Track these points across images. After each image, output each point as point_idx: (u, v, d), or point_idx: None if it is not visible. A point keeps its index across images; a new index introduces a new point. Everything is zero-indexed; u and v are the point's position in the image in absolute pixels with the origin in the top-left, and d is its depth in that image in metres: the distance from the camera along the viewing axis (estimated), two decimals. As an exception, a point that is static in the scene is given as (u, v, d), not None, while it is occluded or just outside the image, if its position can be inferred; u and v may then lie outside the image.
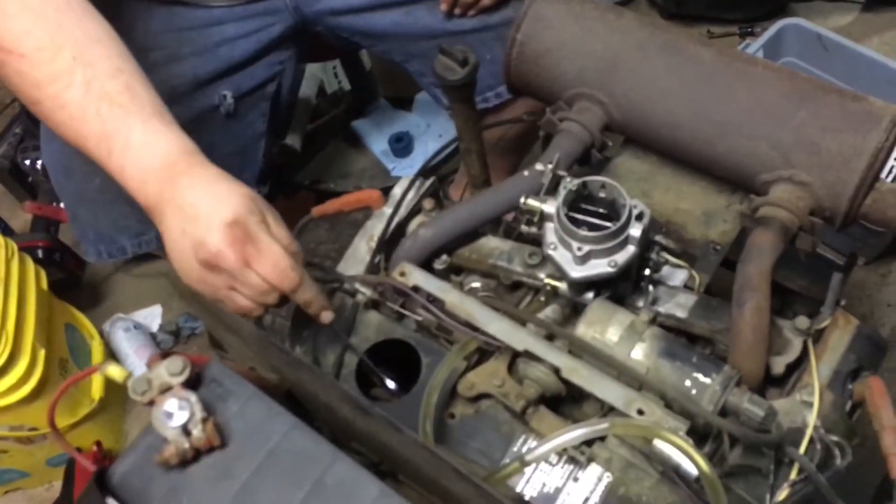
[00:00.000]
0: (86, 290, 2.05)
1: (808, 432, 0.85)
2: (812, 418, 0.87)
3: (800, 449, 0.84)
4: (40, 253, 1.82)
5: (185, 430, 0.65)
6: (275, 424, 0.68)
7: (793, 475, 0.84)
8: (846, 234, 1.59)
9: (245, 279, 0.78)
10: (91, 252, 1.40)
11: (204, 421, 0.66)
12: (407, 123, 2.13)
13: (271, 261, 0.80)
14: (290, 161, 2.09)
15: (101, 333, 1.89)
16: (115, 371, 0.69)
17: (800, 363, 0.93)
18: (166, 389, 0.67)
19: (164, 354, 0.68)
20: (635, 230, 0.90)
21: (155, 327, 1.96)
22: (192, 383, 0.69)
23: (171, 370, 0.67)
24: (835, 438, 0.85)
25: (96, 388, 1.72)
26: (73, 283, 1.97)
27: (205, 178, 0.84)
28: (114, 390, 1.74)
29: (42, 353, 1.53)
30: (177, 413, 0.65)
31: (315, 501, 0.65)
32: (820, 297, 1.07)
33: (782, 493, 0.84)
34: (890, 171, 1.68)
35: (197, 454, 0.66)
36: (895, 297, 1.73)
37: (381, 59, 1.88)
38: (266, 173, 1.51)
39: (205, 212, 0.80)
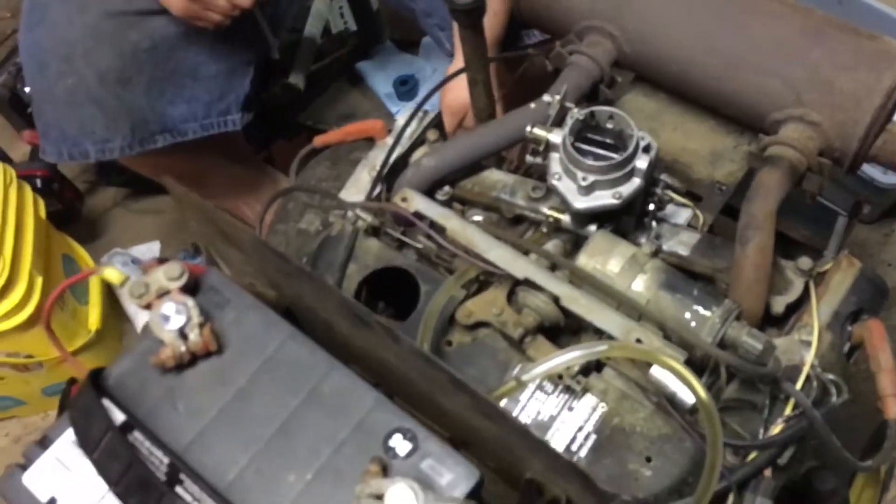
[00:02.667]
0: (84, 223, 2.03)
1: (806, 369, 0.85)
2: (810, 356, 0.87)
3: (796, 385, 0.84)
4: (39, 183, 1.80)
5: (182, 333, 0.65)
6: (272, 333, 0.68)
7: (787, 411, 0.84)
8: (851, 192, 1.59)
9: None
10: (52, 151, 1.37)
11: (201, 325, 0.65)
12: (412, 67, 2.10)
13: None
14: (293, 101, 2.06)
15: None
16: (112, 274, 0.68)
17: (800, 304, 0.93)
18: (164, 294, 0.66)
19: (162, 261, 0.68)
20: (641, 162, 0.89)
21: (152, 263, 1.95)
22: (190, 290, 0.68)
23: (169, 275, 0.66)
24: (831, 377, 0.85)
25: (93, 319, 1.72)
26: (71, 215, 1.96)
27: None
28: (111, 322, 1.74)
29: (39, 281, 1.53)
30: (173, 316, 0.65)
31: (310, 409, 0.64)
32: (822, 247, 1.06)
33: (776, 428, 0.84)
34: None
35: (193, 359, 0.66)
36: (896, 257, 1.73)
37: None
38: (252, 101, 1.49)
39: None
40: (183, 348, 0.65)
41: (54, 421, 0.66)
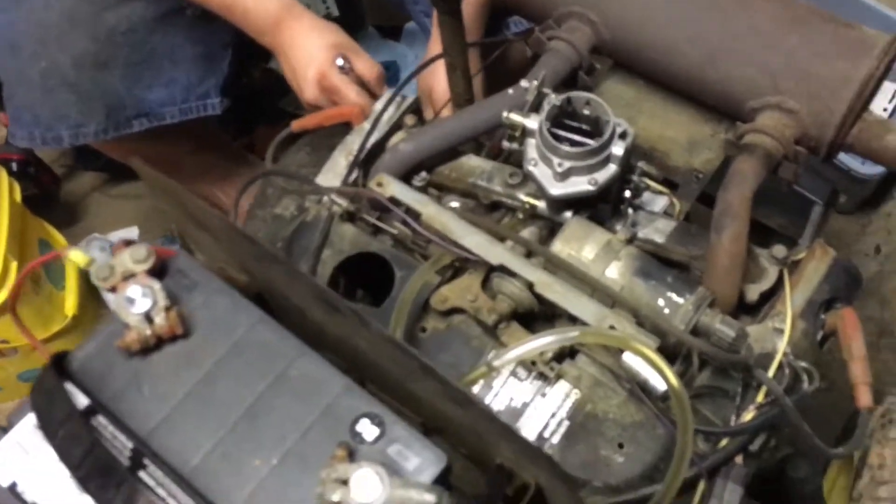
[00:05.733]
0: (61, 208, 2.01)
1: (778, 357, 0.85)
2: (782, 344, 0.87)
3: (768, 373, 0.84)
4: (14, 166, 1.78)
5: (148, 317, 0.64)
6: (240, 317, 0.67)
7: (759, 398, 0.85)
8: (828, 182, 1.59)
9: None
10: (23, 136, 1.34)
11: (167, 309, 0.64)
12: (394, 53, 2.09)
13: (350, 101, 1.14)
14: (274, 86, 2.04)
15: (77, 253, 1.86)
16: (77, 256, 0.67)
17: (774, 292, 0.93)
18: (129, 276, 0.65)
19: (129, 243, 0.67)
20: (618, 148, 0.88)
21: (131, 249, 1.93)
22: (157, 273, 0.67)
23: (135, 257, 0.66)
24: (803, 364, 0.86)
25: (70, 304, 1.70)
26: (48, 200, 1.93)
27: (299, 31, 1.18)
28: (88, 307, 1.72)
29: (14, 265, 1.51)
30: (139, 299, 0.64)
31: (277, 393, 0.64)
32: (797, 236, 1.06)
33: (748, 415, 0.84)
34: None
35: (159, 342, 0.65)
36: (873, 248, 1.74)
37: (371, -17, 1.83)
38: (232, 86, 1.47)
39: (300, 66, 1.18)
40: (149, 332, 0.64)
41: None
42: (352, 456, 0.60)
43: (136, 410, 0.63)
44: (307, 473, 0.60)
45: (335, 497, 0.57)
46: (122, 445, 0.61)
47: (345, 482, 0.57)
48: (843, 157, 1.51)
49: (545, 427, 0.84)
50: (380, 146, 1.07)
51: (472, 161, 1.04)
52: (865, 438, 0.96)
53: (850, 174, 1.56)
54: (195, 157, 1.64)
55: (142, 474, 0.60)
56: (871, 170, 1.57)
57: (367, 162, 1.06)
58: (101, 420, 0.62)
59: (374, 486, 0.57)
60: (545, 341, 0.74)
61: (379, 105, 1.10)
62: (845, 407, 1.07)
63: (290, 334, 0.67)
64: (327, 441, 0.61)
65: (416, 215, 0.94)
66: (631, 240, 0.90)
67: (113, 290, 0.65)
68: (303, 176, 1.03)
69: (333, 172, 1.07)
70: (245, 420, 0.63)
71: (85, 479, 0.57)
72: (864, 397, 0.86)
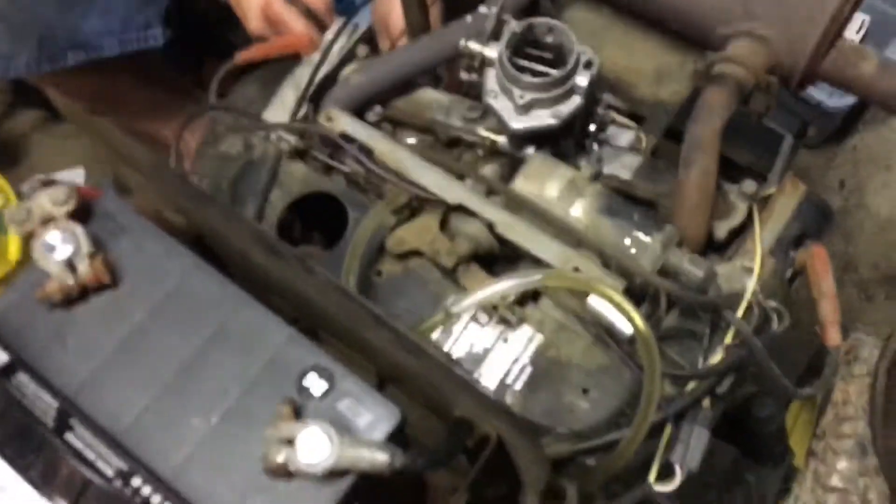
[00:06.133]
0: (2, 149, 1.91)
1: (747, 297, 0.82)
2: (752, 284, 0.84)
3: (737, 313, 0.81)
4: (-54, 105, 1.67)
5: (70, 264, 0.58)
6: (174, 264, 0.62)
7: (727, 340, 0.82)
8: (796, 116, 1.56)
9: None
10: None
11: (91, 256, 0.59)
12: (348, -19, 1.99)
13: (296, 31, 1.07)
14: (223, 17, 1.94)
15: (20, 196, 1.77)
16: (-13, 198, 0.61)
17: (743, 229, 0.90)
18: (49, 220, 0.59)
19: (48, 182, 0.60)
20: (582, 79, 0.83)
21: (77, 190, 1.85)
22: (81, 216, 0.61)
23: (54, 199, 0.59)
24: (773, 304, 0.83)
25: (13, 249, 1.62)
26: (-15, 141, 1.83)
27: None
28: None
29: (-51, 211, 1.43)
30: (59, 246, 0.58)
31: (216, 346, 0.59)
32: (766, 171, 1.03)
33: (716, 357, 0.81)
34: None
35: (84, 292, 0.60)
36: (838, 182, 1.72)
37: None
38: (176, 16, 1.38)
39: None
40: (71, 281, 0.58)
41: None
42: (298, 413, 0.56)
43: (61, 367, 0.58)
44: (251, 432, 0.56)
45: (280, 458, 0.53)
46: (46, 405, 0.56)
47: (291, 442, 0.53)
48: (812, 90, 1.48)
49: (507, 373, 0.81)
50: (331, 79, 1.01)
51: (428, 94, 0.98)
52: (833, 378, 0.94)
53: (819, 107, 1.53)
54: (139, 92, 1.55)
55: (69, 436, 0.55)
56: (839, 102, 1.54)
57: (317, 96, 0.99)
58: (21, 378, 0.57)
59: (322, 446, 0.53)
60: (506, 286, 0.70)
61: (329, 35, 1.02)
62: (809, 343, 1.06)
63: (229, 282, 0.62)
64: (272, 397, 0.57)
65: (369, 152, 0.88)
66: (596, 176, 0.86)
67: (30, 235, 0.59)
68: (248, 112, 0.96)
69: (281, 107, 1.00)
70: (181, 376, 0.58)
71: (0, 445, 0.52)
72: (833, 336, 0.84)
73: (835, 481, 1.10)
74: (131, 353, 0.59)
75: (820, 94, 1.52)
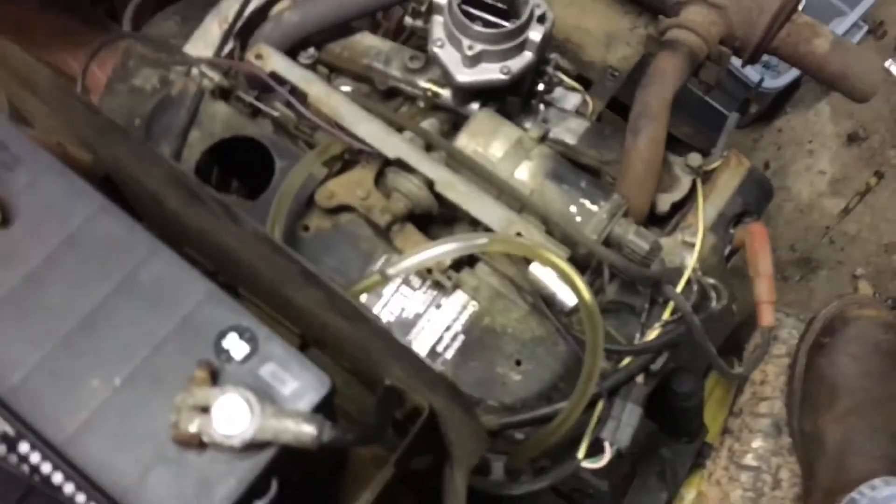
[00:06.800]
0: None
1: (687, 273, 0.80)
2: (692, 259, 0.82)
3: (677, 289, 0.79)
4: None
5: (-48, 198, 0.50)
6: (77, 204, 0.54)
7: (666, 315, 0.80)
8: (728, 94, 1.56)
9: None
10: None
11: (-22, 190, 0.51)
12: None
13: None
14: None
15: None
16: None
17: (685, 203, 0.87)
18: (-73, 146, 0.51)
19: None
20: (535, 34, 0.78)
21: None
22: (-33, 143, 0.53)
23: (-65, 122, 0.51)
24: (712, 281, 0.81)
25: None
26: None
27: None
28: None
29: None
30: (-61, 176, 0.50)
31: (123, 299, 0.52)
32: (703, 147, 1.01)
33: (652, 333, 0.79)
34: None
35: (-32, 232, 0.52)
36: (762, 163, 1.74)
37: None
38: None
39: None
40: (-47, 218, 0.50)
41: None
42: (215, 378, 0.50)
43: (-63, 316, 0.50)
44: (159, 398, 0.49)
45: (192, 427, 0.47)
46: (-84, 359, 0.48)
47: (206, 409, 0.47)
48: (747, 68, 1.47)
49: (439, 341, 0.77)
50: (261, 14, 0.93)
51: (367, 39, 0.92)
52: (764, 357, 0.94)
53: (753, 86, 1.53)
54: (45, 18, 1.42)
55: (-57, 396, 0.48)
56: (773, 83, 1.55)
57: (244, 32, 0.91)
58: None
59: (241, 415, 0.47)
60: (447, 248, 0.65)
61: (261, -36, 0.94)
62: (727, 320, 1.05)
63: (141, 227, 0.54)
64: (185, 359, 0.50)
65: (301, 96, 0.81)
66: (544, 137, 0.81)
67: None
68: (166, 44, 0.88)
69: (204, 41, 0.92)
70: (81, 331, 0.51)
71: None
72: (767, 316, 0.83)
73: (749, 460, 1.11)
74: (22, 304, 0.51)
75: (751, 73, 1.52)
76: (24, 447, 0.49)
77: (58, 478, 0.48)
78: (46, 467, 0.49)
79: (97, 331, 0.51)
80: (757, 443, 1.13)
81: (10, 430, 0.49)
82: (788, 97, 1.71)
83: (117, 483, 0.48)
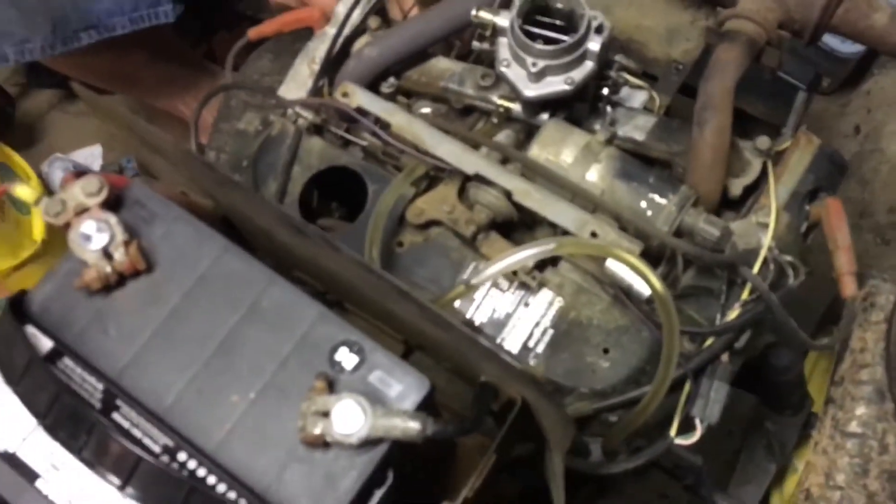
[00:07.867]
0: (19, 129, 1.93)
1: (763, 253, 0.83)
2: (767, 239, 0.85)
3: (753, 269, 0.83)
4: (-36, 88, 1.69)
5: (106, 253, 0.61)
6: (205, 247, 0.64)
7: (744, 295, 0.83)
8: (809, 63, 1.55)
9: None
10: None
11: (126, 243, 0.61)
12: (356, -53, 1.97)
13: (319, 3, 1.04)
14: (231, -12, 1.94)
15: (40, 175, 1.79)
16: (24, 191, 0.63)
17: (758, 185, 0.90)
18: (83, 211, 0.61)
19: (79, 174, 0.62)
20: (594, 44, 0.84)
21: (96, 167, 1.87)
22: (112, 205, 0.63)
23: (87, 190, 0.62)
24: (788, 258, 0.84)
25: (38, 230, 1.65)
26: (3, 121, 1.85)
27: None
28: (56, 232, 1.67)
29: (-26, 194, 1.45)
30: (95, 235, 0.60)
31: (250, 325, 0.61)
32: (780, 123, 1.03)
33: (733, 313, 0.83)
34: None
35: (121, 279, 0.62)
36: (853, 128, 1.71)
37: None
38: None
39: None
40: (108, 269, 0.60)
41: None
42: (332, 386, 0.58)
43: (103, 351, 0.61)
44: (287, 407, 0.58)
45: (317, 430, 0.56)
46: (92, 388, 0.59)
47: (326, 414, 0.56)
48: (824, 37, 1.46)
49: (529, 336, 0.83)
50: (343, 52, 1.02)
51: (441, 63, 0.99)
52: (850, 327, 0.96)
53: (833, 54, 1.52)
54: (152, 68, 1.56)
55: (115, 416, 0.58)
56: (852, 48, 1.53)
57: (331, 68, 1.00)
58: (67, 363, 0.60)
59: (356, 417, 0.55)
60: (522, 256, 0.72)
61: (342, 7, 1.03)
62: (826, 291, 1.06)
63: (258, 262, 0.64)
64: (305, 372, 0.59)
65: (385, 125, 0.89)
66: (610, 140, 0.86)
67: (67, 226, 0.61)
68: (264, 88, 0.98)
69: (296, 82, 1.01)
70: (218, 355, 0.60)
71: (53, 427, 0.55)
72: (849, 287, 0.85)
73: (853, 427, 1.12)
74: (169, 336, 0.61)
75: (831, 40, 1.51)
76: (182, 455, 0.59)
77: (212, 479, 0.58)
78: (202, 471, 0.58)
79: (231, 354, 0.61)
80: (860, 410, 1.13)
81: (170, 442, 0.59)
82: (874, 60, 1.68)
83: (260, 481, 0.57)
